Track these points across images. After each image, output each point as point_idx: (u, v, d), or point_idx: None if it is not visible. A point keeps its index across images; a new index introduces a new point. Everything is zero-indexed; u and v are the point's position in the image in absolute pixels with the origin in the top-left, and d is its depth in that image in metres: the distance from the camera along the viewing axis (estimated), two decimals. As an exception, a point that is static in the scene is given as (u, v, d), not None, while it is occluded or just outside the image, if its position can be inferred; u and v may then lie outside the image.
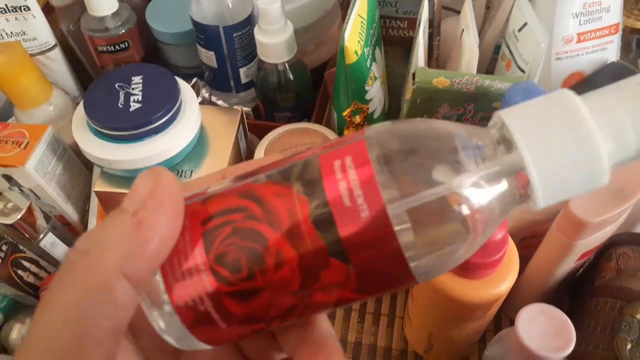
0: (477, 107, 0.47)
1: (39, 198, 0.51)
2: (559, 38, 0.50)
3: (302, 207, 0.17)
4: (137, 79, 0.48)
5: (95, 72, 0.64)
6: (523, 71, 0.47)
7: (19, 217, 0.47)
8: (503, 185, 0.17)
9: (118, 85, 0.48)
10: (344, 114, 0.48)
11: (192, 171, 0.48)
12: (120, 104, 0.46)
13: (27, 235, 0.48)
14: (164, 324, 0.18)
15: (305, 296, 0.18)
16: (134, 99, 0.46)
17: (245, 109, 0.57)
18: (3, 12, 0.54)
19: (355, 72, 0.47)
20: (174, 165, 0.48)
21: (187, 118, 0.48)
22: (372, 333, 0.50)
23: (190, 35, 0.58)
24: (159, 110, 0.45)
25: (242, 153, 0.53)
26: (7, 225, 0.47)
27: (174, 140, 0.46)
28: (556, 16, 0.49)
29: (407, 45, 0.57)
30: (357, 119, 0.49)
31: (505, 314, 0.49)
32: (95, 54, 0.59)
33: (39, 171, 0.49)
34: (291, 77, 0.54)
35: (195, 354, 0.21)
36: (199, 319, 0.18)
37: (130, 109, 0.46)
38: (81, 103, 0.47)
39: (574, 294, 0.46)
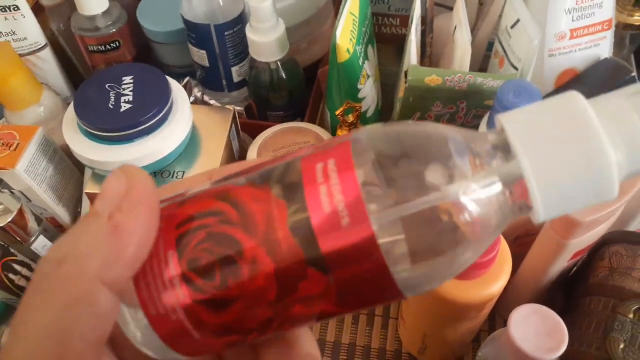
0: (469, 105, 0.47)
1: (30, 200, 0.50)
2: (551, 34, 0.49)
3: (280, 212, 0.16)
4: (127, 79, 0.47)
5: (86, 72, 0.64)
6: (516, 68, 0.47)
7: (9, 219, 0.46)
8: (500, 195, 0.15)
9: (108, 86, 0.47)
10: (337, 112, 0.48)
11: (184, 172, 0.48)
12: (111, 104, 0.46)
13: (18, 238, 0.48)
14: (139, 334, 0.17)
15: (283, 308, 0.17)
16: (124, 100, 0.46)
17: (237, 108, 0.57)
18: (-8, 12, 0.54)
19: (348, 70, 0.47)
20: (166, 166, 0.48)
21: (179, 118, 0.47)
22: (366, 334, 0.50)
23: (181, 34, 0.57)
24: (150, 110, 0.45)
25: (235, 153, 0.53)
26: (-3, 228, 0.46)
27: (165, 140, 0.45)
28: (549, 12, 0.48)
29: (400, 43, 0.57)
30: (350, 117, 0.49)
31: (499, 314, 0.49)
32: (86, 53, 0.58)
33: (30, 173, 0.48)
34: (283, 75, 0.54)
35: None
36: (172, 329, 0.17)
37: (121, 110, 0.45)
38: (71, 104, 0.47)
39: (568, 292, 0.46)
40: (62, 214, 0.53)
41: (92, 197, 0.47)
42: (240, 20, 0.54)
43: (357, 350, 0.49)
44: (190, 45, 0.57)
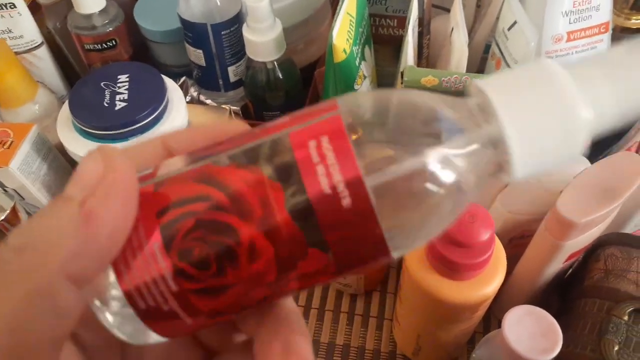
0: (466, 107, 0.47)
1: (23, 199, 0.50)
2: (548, 37, 0.49)
3: (277, 196, 0.15)
4: (123, 78, 0.47)
5: (82, 70, 0.64)
6: (512, 70, 0.47)
7: (2, 218, 0.46)
8: (481, 155, 0.16)
9: (104, 84, 0.47)
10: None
11: (178, 171, 0.48)
12: (106, 102, 0.46)
13: (12, 236, 0.48)
14: (119, 322, 0.17)
15: (280, 286, 0.16)
16: (119, 98, 0.46)
17: (233, 108, 0.57)
18: (-12, 9, 0.54)
19: (344, 71, 0.47)
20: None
21: (174, 117, 0.47)
22: (360, 335, 0.50)
23: (178, 33, 0.57)
24: (144, 109, 0.45)
25: (230, 152, 0.53)
26: (-10, 226, 0.46)
27: (160, 139, 0.45)
28: (546, 15, 0.48)
29: (397, 44, 0.57)
30: (346, 118, 0.49)
31: (494, 315, 0.49)
32: (82, 52, 0.58)
33: (23, 171, 0.48)
34: (280, 75, 0.53)
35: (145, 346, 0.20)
36: (163, 317, 0.16)
37: (116, 108, 0.45)
38: (66, 102, 0.47)
39: (563, 294, 0.46)
40: (56, 213, 0.53)
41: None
42: (238, 19, 0.54)
43: (352, 352, 0.49)
44: (187, 45, 0.57)
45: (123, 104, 0.45)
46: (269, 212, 0.15)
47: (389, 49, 0.59)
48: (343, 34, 0.46)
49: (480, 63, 0.58)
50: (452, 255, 0.34)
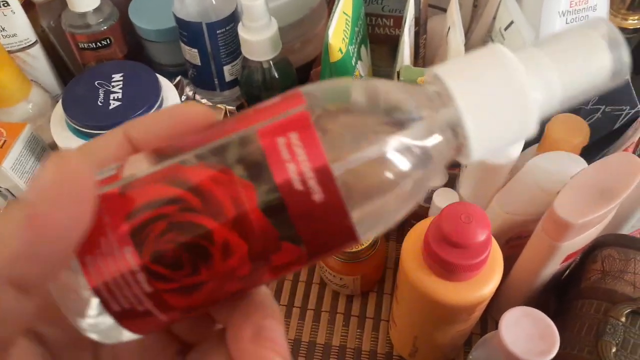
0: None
1: (16, 199, 0.50)
2: (545, 37, 0.49)
3: (248, 194, 0.15)
4: (117, 77, 0.47)
5: (76, 69, 0.63)
6: (509, 70, 0.46)
7: (-5, 217, 0.45)
8: (440, 140, 0.17)
9: (98, 83, 0.47)
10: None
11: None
12: (100, 102, 0.45)
13: (4, 236, 0.47)
14: (92, 324, 0.17)
15: (254, 279, 0.17)
16: (113, 97, 0.46)
17: (229, 107, 0.57)
18: (-19, 7, 0.53)
19: (340, 70, 0.47)
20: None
21: (169, 117, 0.47)
22: (357, 337, 0.49)
23: (173, 32, 0.57)
24: (139, 108, 0.45)
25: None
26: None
27: (154, 139, 0.45)
28: (542, 15, 0.48)
29: (393, 44, 0.56)
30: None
31: (491, 317, 0.49)
32: (76, 51, 0.58)
33: (16, 171, 0.47)
34: (276, 75, 0.53)
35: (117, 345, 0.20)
36: (138, 316, 0.17)
37: (110, 107, 0.45)
38: (60, 101, 0.46)
39: (560, 295, 0.45)
40: (50, 213, 0.52)
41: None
42: (233, 18, 0.54)
43: (348, 353, 0.48)
44: (182, 44, 0.56)
45: (117, 103, 0.45)
46: (241, 210, 0.15)
47: (385, 48, 0.59)
48: (339, 33, 0.45)
49: (477, 63, 0.57)
50: (449, 256, 0.33)
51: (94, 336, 0.17)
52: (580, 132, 0.43)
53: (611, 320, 0.37)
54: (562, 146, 0.42)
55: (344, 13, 0.47)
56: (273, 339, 0.17)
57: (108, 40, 0.57)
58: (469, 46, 0.53)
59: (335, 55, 0.45)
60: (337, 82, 0.18)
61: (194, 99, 0.60)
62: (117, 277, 0.16)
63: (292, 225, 0.16)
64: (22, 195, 0.15)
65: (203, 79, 0.59)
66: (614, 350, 0.35)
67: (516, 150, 0.42)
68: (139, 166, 0.17)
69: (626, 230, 0.44)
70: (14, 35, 0.55)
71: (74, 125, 0.45)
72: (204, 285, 0.16)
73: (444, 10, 0.58)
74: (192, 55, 0.56)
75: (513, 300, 0.44)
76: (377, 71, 0.57)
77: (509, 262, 0.38)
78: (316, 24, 0.62)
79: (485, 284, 0.35)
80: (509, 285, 0.44)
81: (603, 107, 0.49)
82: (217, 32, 0.54)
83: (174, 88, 0.49)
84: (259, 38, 0.49)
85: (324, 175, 0.15)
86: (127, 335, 0.17)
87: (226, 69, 0.57)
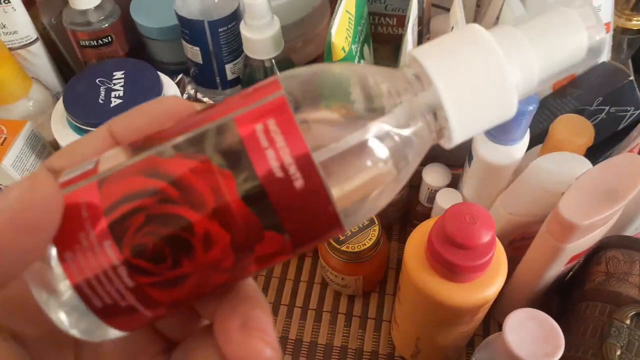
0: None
1: (17, 196, 0.49)
2: (550, 37, 0.49)
3: (228, 184, 0.15)
4: (118, 74, 0.47)
5: (77, 67, 0.63)
6: (513, 70, 0.46)
7: (-6, 215, 0.45)
8: (420, 124, 0.17)
9: (99, 81, 0.47)
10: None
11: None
12: (101, 99, 0.45)
13: (4, 235, 0.47)
14: (74, 322, 0.16)
15: (238, 270, 0.16)
16: (115, 95, 0.45)
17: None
18: (-19, 4, 0.53)
19: (343, 70, 0.46)
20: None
21: (170, 115, 0.46)
22: (358, 337, 0.49)
23: (175, 30, 0.56)
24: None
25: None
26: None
27: (155, 137, 0.44)
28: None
29: (396, 43, 0.56)
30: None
31: (494, 318, 0.49)
32: (77, 48, 0.57)
33: (17, 168, 0.47)
34: (278, 73, 0.53)
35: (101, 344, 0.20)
36: (121, 312, 0.16)
37: (111, 105, 0.45)
38: (61, 98, 0.46)
39: (564, 297, 0.45)
40: (50, 211, 0.52)
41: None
42: (235, 17, 0.54)
43: (349, 353, 0.48)
44: (183, 42, 0.56)
45: (118, 101, 0.45)
46: (221, 200, 0.15)
47: (388, 47, 0.59)
48: (342, 32, 0.45)
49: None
50: (453, 257, 0.33)
51: (77, 334, 0.17)
52: (584, 132, 0.42)
53: (616, 323, 0.36)
54: (566, 147, 0.42)
55: (347, 12, 0.46)
56: (262, 329, 0.17)
57: (109, 37, 0.57)
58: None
59: (338, 54, 0.45)
60: (314, 67, 0.17)
61: (195, 97, 0.60)
62: (98, 272, 0.16)
63: (275, 214, 0.15)
64: None
65: (205, 78, 0.58)
66: (618, 352, 0.35)
67: (520, 150, 0.41)
68: (116, 159, 0.17)
69: (630, 231, 0.44)
70: (15, 32, 0.55)
71: (75, 123, 0.44)
72: (187, 278, 0.16)
73: (447, 9, 0.58)
74: (193, 53, 0.56)
75: (516, 301, 0.44)
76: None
77: (512, 263, 0.38)
78: (318, 23, 0.62)
79: (489, 285, 0.35)
80: (512, 286, 0.44)
81: (607, 107, 0.48)
82: (219, 30, 0.54)
83: (175, 86, 0.49)
84: (261, 36, 0.49)
85: (305, 162, 0.15)
86: (112, 333, 0.17)
87: (228, 67, 0.57)
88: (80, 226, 0.15)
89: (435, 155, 0.50)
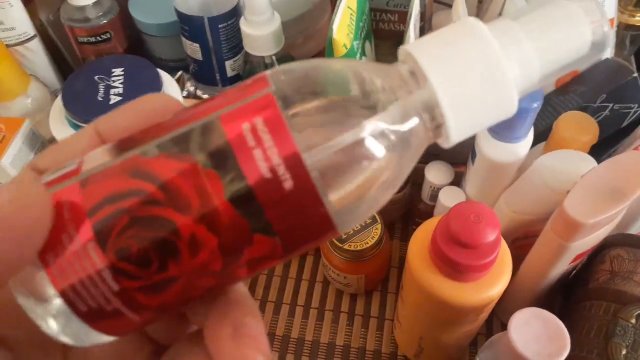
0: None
1: (15, 194, 0.49)
2: (553, 33, 0.49)
3: (214, 184, 0.15)
4: (117, 71, 0.46)
5: (76, 63, 0.62)
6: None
7: (-7, 214, 0.45)
8: (416, 120, 0.16)
9: (98, 78, 0.46)
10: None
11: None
12: (100, 96, 0.45)
13: (2, 233, 0.46)
14: (62, 327, 0.16)
15: (228, 275, 0.16)
16: (114, 92, 0.45)
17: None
18: (-22, 0, 0.52)
19: (345, 66, 0.46)
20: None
21: (170, 112, 0.46)
22: (361, 336, 0.49)
23: (174, 26, 0.56)
24: (140, 104, 0.44)
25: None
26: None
27: (155, 135, 0.44)
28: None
29: (398, 39, 0.56)
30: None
31: (497, 317, 0.48)
32: (75, 45, 0.57)
33: (16, 166, 0.47)
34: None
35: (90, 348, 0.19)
36: (108, 317, 0.16)
37: (110, 102, 0.44)
38: (59, 96, 0.45)
39: (567, 295, 0.45)
40: (49, 210, 0.52)
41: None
42: (235, 13, 0.53)
43: (352, 352, 0.48)
44: (183, 39, 0.56)
45: (118, 98, 0.44)
46: (207, 201, 0.15)
47: (389, 44, 0.58)
48: (343, 28, 0.44)
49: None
50: (457, 256, 0.33)
51: (65, 340, 0.16)
52: (589, 130, 0.42)
53: (621, 322, 0.36)
54: (570, 144, 0.41)
55: (349, 8, 0.46)
56: (254, 337, 0.16)
57: (108, 34, 0.56)
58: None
59: (340, 51, 0.44)
60: (304, 63, 0.17)
61: (195, 94, 0.60)
62: (82, 275, 0.15)
63: (264, 216, 0.15)
64: None
65: (204, 74, 0.58)
66: (624, 352, 0.35)
67: (524, 148, 0.41)
68: (100, 159, 0.16)
69: (635, 230, 0.44)
70: (12, 28, 0.54)
71: (74, 120, 0.44)
72: (174, 282, 0.15)
73: (449, 6, 0.57)
74: (193, 49, 0.55)
75: (520, 300, 0.43)
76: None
77: (516, 262, 0.38)
78: (319, 19, 0.61)
79: (493, 284, 0.35)
80: (516, 285, 0.43)
81: (611, 105, 0.48)
82: (219, 26, 0.53)
83: (175, 83, 0.48)
84: (261, 33, 0.49)
85: (294, 162, 0.15)
86: (100, 338, 0.17)
87: (228, 64, 0.57)
88: (62, 228, 0.15)
89: (437, 152, 0.49)
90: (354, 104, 0.16)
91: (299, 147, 0.15)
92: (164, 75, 0.48)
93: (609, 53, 0.52)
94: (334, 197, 0.15)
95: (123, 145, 0.16)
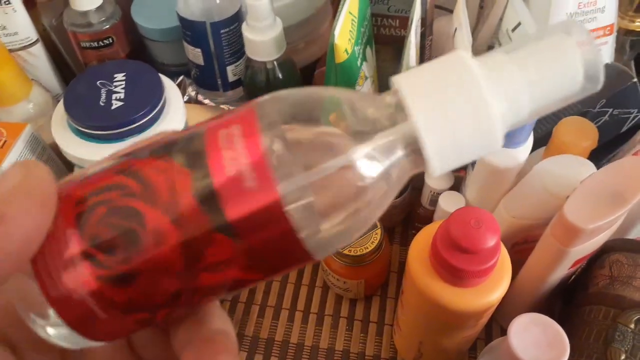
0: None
1: (17, 198, 0.49)
2: (553, 39, 0.49)
3: (183, 180, 0.15)
4: (119, 76, 0.46)
5: (78, 69, 0.63)
6: (517, 72, 0.46)
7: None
8: (398, 153, 0.16)
9: (100, 83, 0.46)
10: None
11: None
12: (102, 102, 0.45)
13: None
14: (44, 323, 0.16)
15: (191, 278, 0.16)
16: (116, 97, 0.45)
17: (232, 108, 0.56)
18: (-18, 5, 0.52)
19: (346, 71, 0.46)
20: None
21: (172, 117, 0.46)
22: (360, 341, 0.49)
23: (177, 31, 0.56)
24: (141, 108, 0.44)
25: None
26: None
27: (157, 140, 0.44)
28: (550, 16, 0.48)
29: (399, 45, 0.56)
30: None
31: (496, 322, 0.48)
32: (78, 50, 0.57)
33: (17, 171, 0.47)
34: (280, 75, 0.52)
35: (85, 353, 0.20)
36: (78, 311, 0.16)
37: (112, 107, 0.44)
38: (61, 101, 0.46)
39: (566, 300, 0.45)
40: (50, 214, 0.52)
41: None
42: (237, 18, 0.54)
43: (352, 357, 0.48)
44: (185, 44, 0.56)
45: (119, 103, 0.44)
46: (174, 196, 0.15)
47: (390, 49, 0.58)
48: (345, 33, 0.45)
49: (482, 65, 0.57)
50: (458, 262, 0.33)
51: (53, 340, 0.17)
52: (588, 135, 0.42)
53: (620, 327, 0.36)
54: (570, 149, 0.42)
55: (350, 13, 0.46)
56: None
57: (110, 39, 0.56)
58: (475, 47, 0.52)
59: (341, 56, 0.45)
60: (296, 90, 0.17)
61: (196, 99, 0.60)
62: (58, 260, 0.16)
63: (223, 214, 0.15)
64: None
65: (206, 79, 0.58)
66: (623, 357, 0.35)
67: (524, 153, 0.41)
68: (100, 164, 0.17)
69: (634, 235, 0.44)
70: (15, 33, 0.55)
71: (75, 125, 0.44)
72: (138, 276, 0.16)
73: (450, 11, 0.57)
74: (195, 55, 0.56)
75: (519, 305, 0.43)
76: (382, 72, 0.57)
77: (515, 267, 0.38)
78: (321, 24, 0.61)
79: (493, 289, 0.35)
80: (515, 290, 0.43)
81: (610, 110, 0.48)
82: (221, 31, 0.53)
83: (177, 88, 0.49)
84: (263, 38, 0.49)
85: (259, 163, 0.15)
86: (81, 339, 0.17)
87: (229, 69, 0.57)
88: (54, 220, 0.16)
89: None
90: (335, 131, 0.16)
91: (267, 155, 0.15)
92: (166, 81, 0.48)
93: (608, 58, 0.53)
94: (297, 204, 0.15)
95: (123, 152, 0.17)
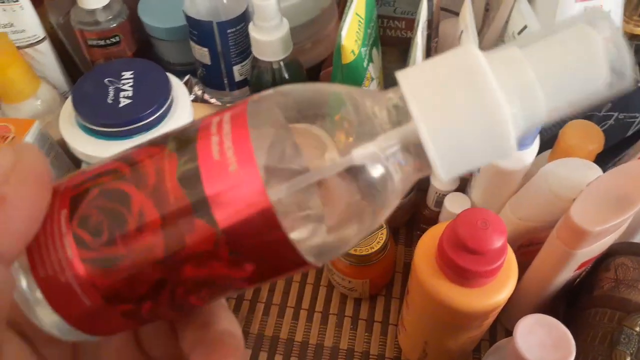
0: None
1: (24, 195, 0.49)
2: (559, 42, 0.49)
3: (170, 164, 0.16)
4: (127, 74, 0.47)
5: (85, 66, 0.63)
6: (523, 75, 0.46)
7: (2, 214, 0.45)
8: (402, 156, 0.15)
9: (108, 81, 0.46)
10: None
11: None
12: (110, 99, 0.45)
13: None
14: (36, 310, 0.17)
15: (173, 268, 0.16)
16: (123, 95, 0.45)
17: (238, 107, 0.56)
18: (-10, 3, 0.53)
19: (352, 72, 0.46)
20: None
21: (179, 115, 0.46)
22: (365, 340, 0.49)
23: (183, 31, 0.56)
24: (149, 106, 0.44)
25: (235, 153, 0.52)
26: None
27: (164, 138, 0.44)
28: (556, 19, 0.48)
29: (405, 46, 0.56)
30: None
31: (501, 323, 0.48)
32: (85, 48, 0.57)
33: (24, 167, 0.47)
34: (286, 75, 0.53)
35: (95, 350, 0.20)
36: (64, 295, 0.16)
37: (120, 105, 0.44)
38: (69, 98, 0.46)
39: (571, 303, 0.45)
40: (56, 211, 0.52)
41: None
42: (244, 18, 0.54)
43: (356, 357, 0.48)
44: (192, 43, 0.56)
45: (127, 101, 0.44)
46: (160, 179, 0.15)
47: (396, 51, 0.58)
48: (352, 35, 0.45)
49: (488, 67, 0.57)
50: (465, 262, 0.33)
51: (50, 330, 0.17)
52: (594, 138, 0.42)
53: (625, 330, 0.36)
54: (576, 153, 0.42)
55: (357, 14, 0.46)
56: None
57: (117, 37, 0.56)
58: (481, 50, 0.52)
59: (348, 57, 0.45)
60: (297, 85, 0.17)
61: (202, 98, 0.60)
62: (49, 242, 0.16)
63: (205, 198, 0.15)
64: None
65: (212, 79, 0.58)
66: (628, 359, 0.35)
67: (530, 155, 0.41)
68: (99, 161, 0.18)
69: (639, 238, 0.44)
70: (23, 31, 0.55)
71: (83, 123, 0.44)
72: (121, 260, 0.16)
73: (456, 14, 0.58)
74: (201, 54, 0.56)
75: (524, 307, 0.44)
76: (388, 73, 0.57)
77: (521, 268, 0.38)
78: (327, 25, 0.62)
79: (500, 290, 0.35)
80: (520, 292, 0.43)
81: (616, 114, 0.48)
82: (228, 31, 0.53)
83: (184, 87, 0.49)
84: (270, 38, 0.49)
85: (244, 148, 0.15)
86: (72, 330, 0.17)
87: (236, 68, 0.57)
88: (51, 204, 0.16)
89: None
90: (331, 128, 0.16)
91: (255, 140, 0.15)
92: (173, 79, 0.48)
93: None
94: (282, 196, 0.15)
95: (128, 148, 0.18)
